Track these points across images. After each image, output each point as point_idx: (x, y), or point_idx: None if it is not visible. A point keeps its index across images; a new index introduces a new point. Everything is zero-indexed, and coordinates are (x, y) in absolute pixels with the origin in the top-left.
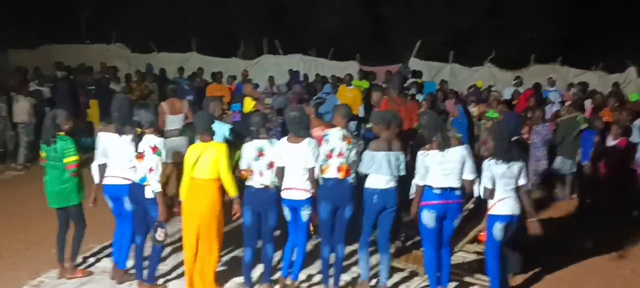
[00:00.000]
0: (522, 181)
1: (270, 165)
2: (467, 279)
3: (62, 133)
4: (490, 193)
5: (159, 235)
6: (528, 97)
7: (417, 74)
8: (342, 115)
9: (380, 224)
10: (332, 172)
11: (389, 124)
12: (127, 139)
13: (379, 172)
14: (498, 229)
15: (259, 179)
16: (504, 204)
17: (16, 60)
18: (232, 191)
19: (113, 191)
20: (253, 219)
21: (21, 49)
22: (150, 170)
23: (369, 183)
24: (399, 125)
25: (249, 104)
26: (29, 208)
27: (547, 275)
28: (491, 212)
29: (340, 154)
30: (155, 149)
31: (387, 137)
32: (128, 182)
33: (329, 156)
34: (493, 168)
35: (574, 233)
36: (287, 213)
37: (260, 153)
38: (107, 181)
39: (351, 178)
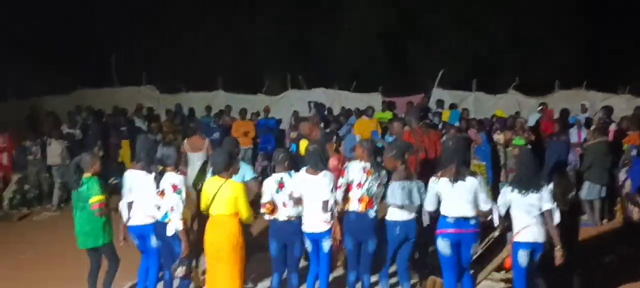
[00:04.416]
0: (546, 206)
1: (292, 196)
2: None
3: (87, 175)
4: (504, 219)
5: (180, 272)
6: (550, 119)
7: (440, 103)
8: (364, 148)
9: (399, 253)
10: (353, 204)
11: (403, 154)
12: (148, 176)
13: (398, 202)
14: (522, 256)
15: (284, 211)
16: (527, 231)
17: (50, 106)
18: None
19: (138, 231)
20: (279, 250)
21: (55, 95)
22: (172, 208)
23: (391, 215)
24: (414, 153)
25: (303, 146)
26: (63, 248)
27: None
28: (515, 239)
29: (359, 185)
30: (175, 188)
31: (405, 168)
32: (153, 221)
33: (349, 188)
34: (508, 195)
35: (609, 260)
36: (308, 245)
37: (281, 185)
38: (132, 221)
39: (373, 212)
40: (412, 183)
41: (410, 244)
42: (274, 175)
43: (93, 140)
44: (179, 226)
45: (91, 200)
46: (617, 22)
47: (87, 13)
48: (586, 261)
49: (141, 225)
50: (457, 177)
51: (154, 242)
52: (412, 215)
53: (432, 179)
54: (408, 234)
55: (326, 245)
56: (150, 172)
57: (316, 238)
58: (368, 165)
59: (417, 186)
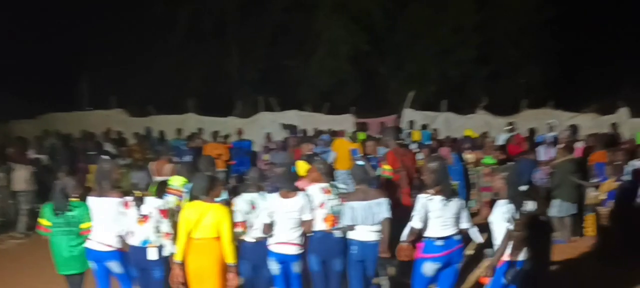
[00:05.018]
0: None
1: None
2: None
3: (76, 199)
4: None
5: None
6: (520, 142)
7: (411, 124)
8: (318, 169)
9: (362, 278)
10: (318, 224)
11: (365, 182)
12: (109, 201)
13: (358, 223)
14: (511, 274)
15: (254, 232)
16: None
17: (18, 131)
18: (230, 258)
19: (94, 256)
20: (250, 272)
21: (22, 119)
22: (167, 234)
23: (350, 235)
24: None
25: (302, 167)
26: (32, 277)
27: None
28: (507, 257)
29: (321, 205)
30: (165, 213)
31: (363, 188)
32: (110, 249)
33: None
34: (511, 212)
35: (581, 276)
36: (275, 268)
37: (253, 206)
38: (88, 244)
39: (338, 231)
40: (365, 204)
41: (370, 266)
42: (244, 195)
43: (60, 165)
44: (174, 250)
45: (82, 226)
46: (584, 42)
47: (56, 37)
48: (559, 277)
49: (98, 251)
50: (451, 195)
51: (117, 268)
52: (372, 237)
53: (424, 196)
54: (366, 255)
55: (296, 267)
56: (100, 196)
57: (286, 261)
58: (326, 185)
59: (379, 203)
